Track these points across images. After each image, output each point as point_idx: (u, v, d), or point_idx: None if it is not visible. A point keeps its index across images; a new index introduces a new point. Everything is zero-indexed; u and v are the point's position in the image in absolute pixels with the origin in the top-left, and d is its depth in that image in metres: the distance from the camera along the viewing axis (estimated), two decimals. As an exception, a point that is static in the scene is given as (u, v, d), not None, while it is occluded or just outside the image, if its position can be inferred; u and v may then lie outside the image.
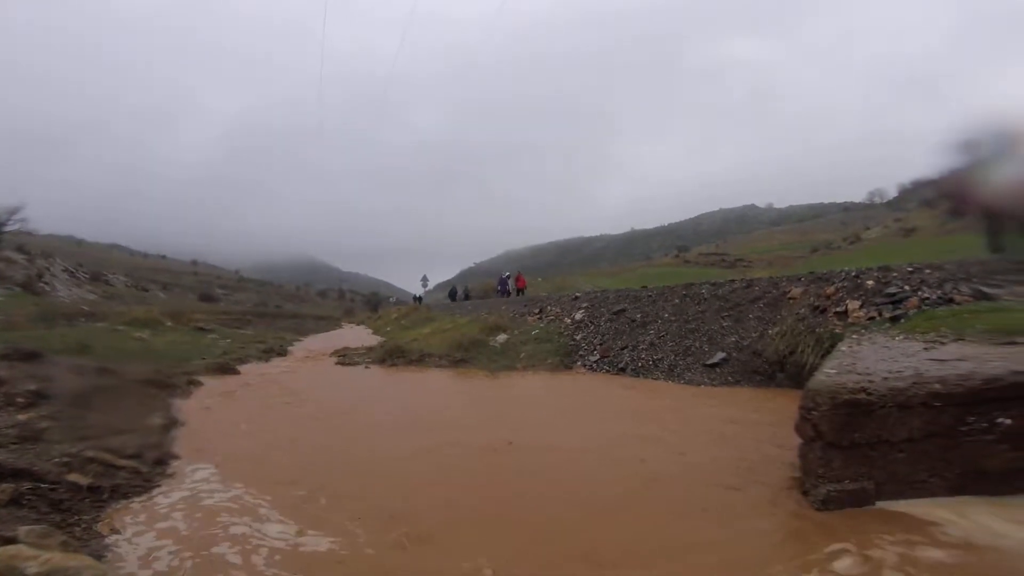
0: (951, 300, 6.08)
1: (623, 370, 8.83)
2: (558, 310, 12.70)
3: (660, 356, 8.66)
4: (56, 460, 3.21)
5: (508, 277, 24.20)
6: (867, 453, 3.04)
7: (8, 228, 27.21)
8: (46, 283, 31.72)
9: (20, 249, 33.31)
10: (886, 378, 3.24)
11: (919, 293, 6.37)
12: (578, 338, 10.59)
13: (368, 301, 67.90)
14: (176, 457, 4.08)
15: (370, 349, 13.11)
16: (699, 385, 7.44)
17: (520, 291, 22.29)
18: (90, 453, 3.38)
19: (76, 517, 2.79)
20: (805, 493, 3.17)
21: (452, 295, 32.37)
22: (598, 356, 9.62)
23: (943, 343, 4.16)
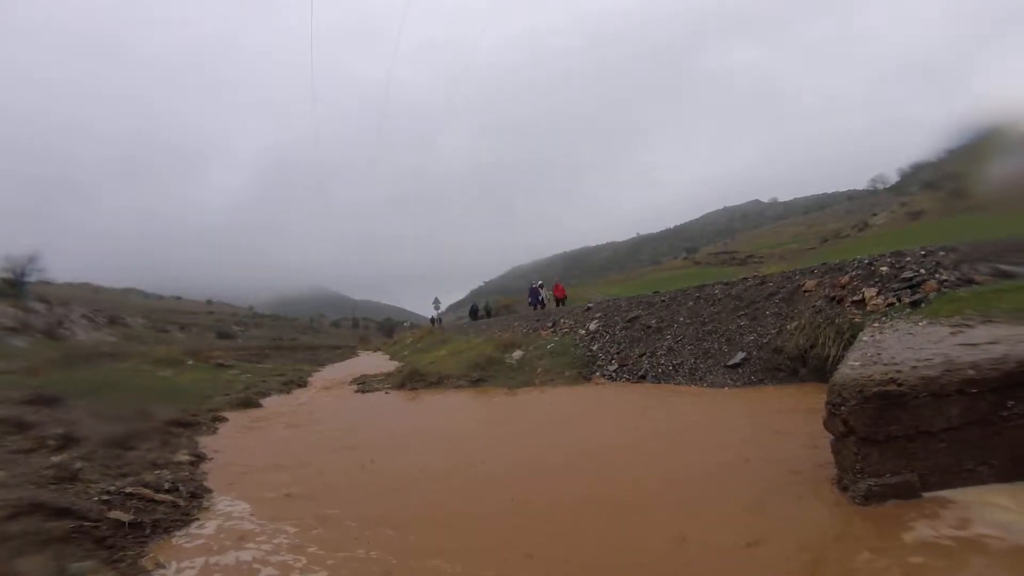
0: (971, 281, 5.99)
1: (643, 377, 8.76)
2: (571, 322, 12.68)
3: (680, 361, 8.59)
4: (96, 498, 3.29)
5: (541, 286, 21.24)
6: (905, 446, 2.96)
7: (28, 279, 27.93)
8: (66, 329, 32.40)
9: (40, 299, 34.17)
10: (915, 367, 3.16)
11: (936, 276, 6.29)
12: (594, 348, 10.54)
13: (382, 327, 68.19)
14: (209, 491, 4.12)
15: (388, 375, 13.15)
16: (722, 387, 7.36)
17: (560, 302, 19.48)
18: (129, 489, 3.45)
19: (121, 553, 2.84)
20: (844, 489, 3.10)
21: (473, 313, 30.21)
22: (616, 365, 9.56)
23: (971, 326, 4.08)
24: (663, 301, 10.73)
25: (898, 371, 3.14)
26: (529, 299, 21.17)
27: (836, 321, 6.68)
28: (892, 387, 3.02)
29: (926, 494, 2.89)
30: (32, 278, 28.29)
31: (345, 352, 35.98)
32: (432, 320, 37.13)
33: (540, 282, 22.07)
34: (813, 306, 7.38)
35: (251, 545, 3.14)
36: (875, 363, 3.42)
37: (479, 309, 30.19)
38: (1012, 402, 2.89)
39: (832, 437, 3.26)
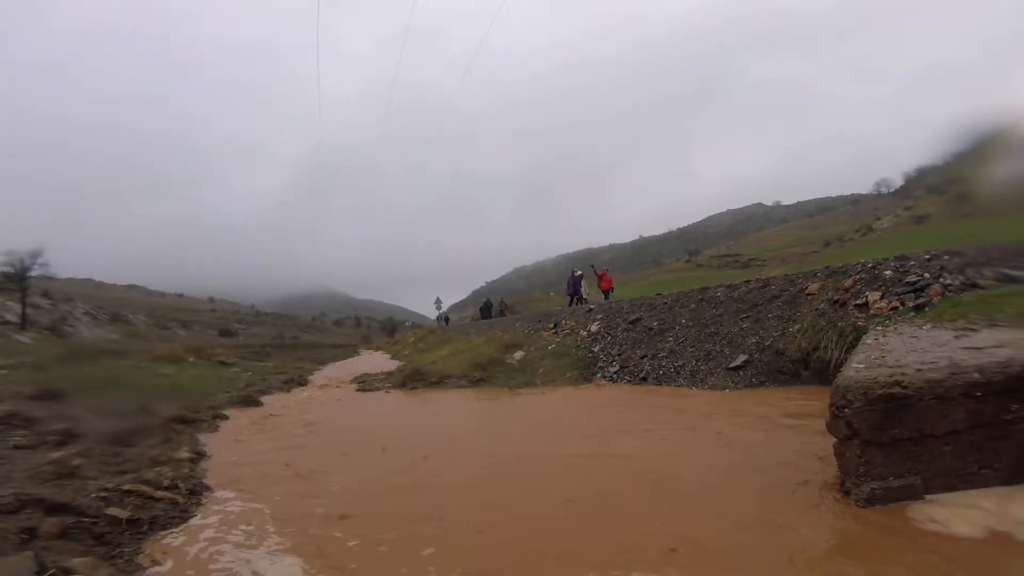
0: (975, 285, 5.96)
1: (644, 379, 8.74)
2: (573, 323, 12.65)
3: (681, 363, 8.56)
4: (94, 495, 3.29)
5: (580, 276, 17.42)
6: (910, 448, 2.94)
7: (32, 273, 28.12)
8: (70, 325, 32.61)
9: (45, 295, 34.42)
10: (920, 370, 3.14)
11: (940, 280, 6.26)
12: (596, 350, 10.51)
13: (384, 327, 68.32)
14: (208, 488, 4.12)
15: (389, 374, 13.13)
16: (723, 389, 7.33)
17: (606, 295, 16.31)
18: (128, 486, 3.45)
19: (118, 549, 2.85)
20: (847, 492, 3.08)
21: (486, 310, 26.54)
22: (618, 367, 9.53)
23: (975, 330, 4.05)
24: (665, 303, 10.70)
25: (903, 374, 3.11)
26: (567, 291, 17.63)
27: (839, 324, 6.65)
28: (897, 390, 3.00)
29: (929, 496, 2.88)
30: (35, 273, 28.47)
31: (347, 351, 36.01)
32: (439, 319, 36.83)
33: (579, 271, 17.95)
34: (816, 309, 7.34)
35: (249, 542, 3.14)
36: (879, 366, 3.40)
37: (493, 306, 26.90)
38: (1017, 405, 2.87)
39: (835, 440, 3.24)
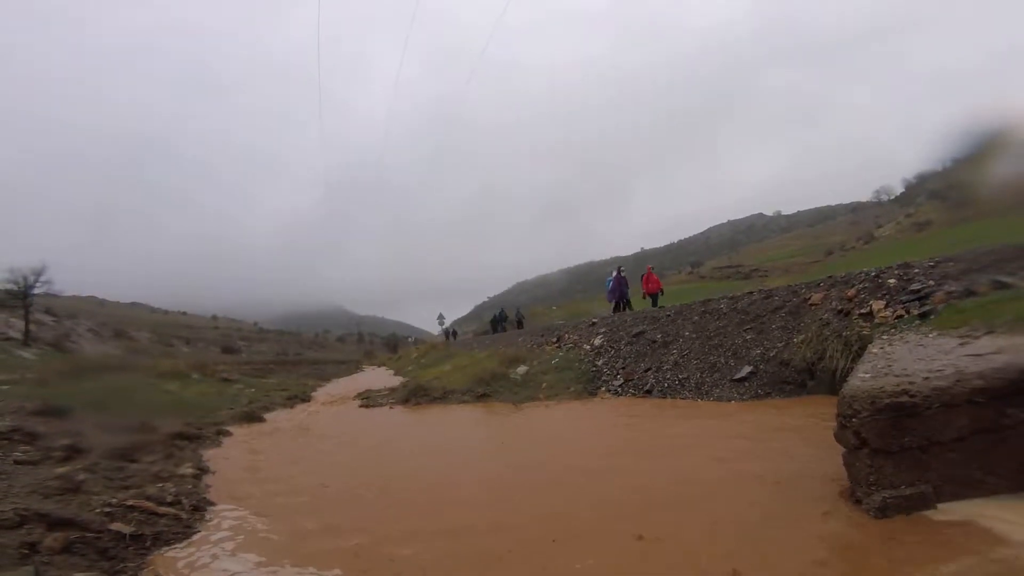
0: (973, 292, 5.94)
1: (649, 392, 8.67)
2: (576, 337, 12.60)
3: (686, 375, 8.50)
4: (98, 510, 3.28)
5: (623, 274, 14.69)
6: (919, 456, 2.92)
7: (35, 291, 28.22)
8: (73, 342, 32.67)
9: (48, 311, 34.56)
10: (927, 378, 3.14)
11: (944, 287, 6.23)
12: (599, 364, 10.46)
13: (387, 343, 68.29)
14: (212, 504, 4.09)
15: (393, 390, 13.09)
16: (729, 401, 7.27)
17: (654, 297, 13.81)
18: (132, 502, 3.43)
19: (122, 564, 2.83)
20: (858, 502, 3.04)
21: (498, 321, 23.77)
22: (622, 380, 9.47)
23: (976, 337, 4.04)
24: (668, 316, 10.67)
25: (910, 382, 3.11)
26: (609, 294, 14.65)
27: (844, 334, 6.62)
28: (904, 398, 2.99)
29: (940, 505, 2.84)
30: (38, 290, 28.59)
31: (350, 367, 35.87)
32: (446, 334, 36.85)
33: (621, 269, 15.06)
34: (820, 319, 7.31)
35: (251, 557, 3.11)
36: (886, 375, 3.39)
37: (507, 317, 24.07)
38: (1013, 410, 2.87)
39: (844, 450, 3.21)
